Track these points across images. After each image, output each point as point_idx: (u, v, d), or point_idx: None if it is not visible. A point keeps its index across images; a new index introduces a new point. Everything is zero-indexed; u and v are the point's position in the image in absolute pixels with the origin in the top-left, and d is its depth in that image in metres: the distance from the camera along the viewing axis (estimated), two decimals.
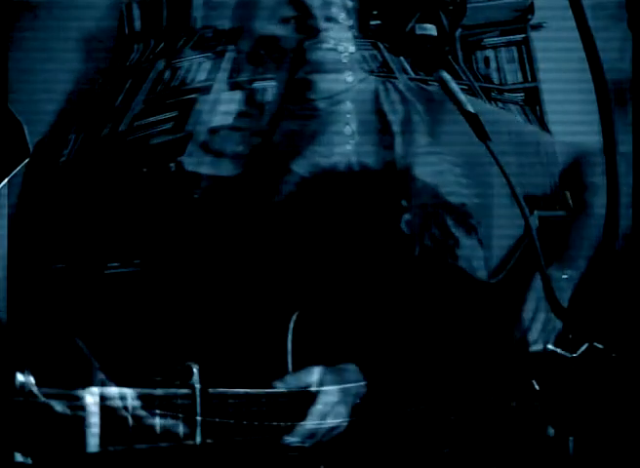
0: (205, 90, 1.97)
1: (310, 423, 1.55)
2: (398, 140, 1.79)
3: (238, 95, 1.93)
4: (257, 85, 1.90)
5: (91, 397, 1.38)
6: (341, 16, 1.80)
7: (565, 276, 1.65)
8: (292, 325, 1.64)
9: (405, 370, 1.65)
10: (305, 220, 1.74)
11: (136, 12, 2.09)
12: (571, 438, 1.52)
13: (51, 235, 1.89)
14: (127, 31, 2.08)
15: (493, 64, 2.12)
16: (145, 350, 1.73)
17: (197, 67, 2.02)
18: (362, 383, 1.62)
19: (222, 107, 1.93)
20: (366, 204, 1.74)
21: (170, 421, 1.44)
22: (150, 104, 1.98)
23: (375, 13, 1.82)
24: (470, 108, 1.62)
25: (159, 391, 1.45)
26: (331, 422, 1.57)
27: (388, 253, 1.72)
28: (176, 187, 1.84)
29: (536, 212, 1.80)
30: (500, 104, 2.07)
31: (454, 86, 1.65)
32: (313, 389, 1.58)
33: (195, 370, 1.48)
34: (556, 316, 1.52)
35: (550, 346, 1.57)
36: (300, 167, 1.77)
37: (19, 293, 1.82)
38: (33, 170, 1.92)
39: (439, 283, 1.72)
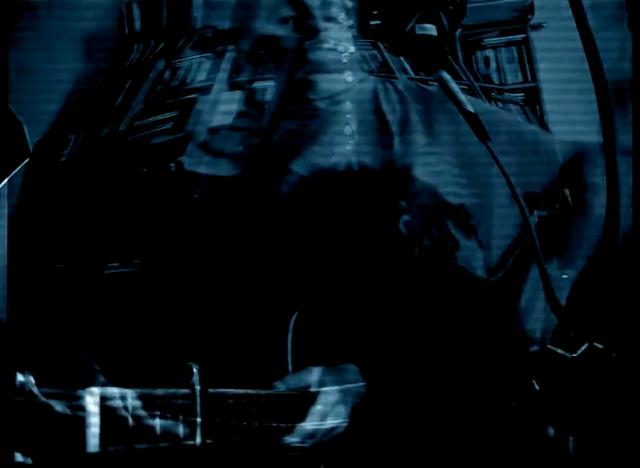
0: (205, 90, 1.97)
1: (310, 424, 1.56)
2: (397, 141, 1.79)
3: (238, 95, 1.93)
4: (257, 85, 1.90)
5: (91, 397, 1.38)
6: (341, 15, 1.80)
7: (565, 276, 1.65)
8: (292, 324, 1.64)
9: (405, 370, 1.65)
10: (305, 220, 1.74)
11: (136, 12, 2.09)
12: (571, 438, 1.52)
13: (51, 235, 1.89)
14: (127, 31, 2.08)
15: (493, 64, 2.12)
16: (145, 350, 1.73)
17: (197, 67, 2.02)
18: (362, 384, 1.62)
19: (222, 107, 1.93)
20: (365, 204, 1.74)
21: (170, 421, 1.44)
22: (150, 104, 1.98)
23: (375, 13, 1.82)
24: (470, 108, 1.62)
25: (159, 391, 1.45)
26: (331, 423, 1.57)
27: (388, 254, 1.72)
28: (176, 187, 1.84)
29: (535, 212, 1.80)
30: (500, 104, 2.07)
31: (454, 86, 1.65)
32: (313, 389, 1.58)
33: (195, 370, 1.48)
34: (556, 316, 1.52)
35: (550, 346, 1.57)
36: (300, 167, 1.77)
37: (19, 293, 1.82)
38: (33, 170, 1.92)
39: (439, 282, 1.72)
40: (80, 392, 1.38)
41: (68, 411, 1.37)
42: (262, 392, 1.55)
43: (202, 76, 2.01)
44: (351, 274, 1.70)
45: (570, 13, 1.30)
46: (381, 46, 2.00)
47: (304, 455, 1.57)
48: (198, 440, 1.47)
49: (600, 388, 1.47)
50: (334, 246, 1.72)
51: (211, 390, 1.49)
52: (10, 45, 1.85)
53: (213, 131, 1.89)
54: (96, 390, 1.39)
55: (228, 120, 1.90)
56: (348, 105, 1.81)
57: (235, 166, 1.81)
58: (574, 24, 1.30)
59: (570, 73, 1.80)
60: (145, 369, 1.67)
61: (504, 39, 2.12)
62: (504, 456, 1.62)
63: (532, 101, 2.08)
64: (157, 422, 1.43)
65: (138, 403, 1.43)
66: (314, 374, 1.59)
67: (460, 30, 2.04)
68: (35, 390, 1.38)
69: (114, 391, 1.41)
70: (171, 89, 1.99)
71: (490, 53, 2.12)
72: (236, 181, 1.79)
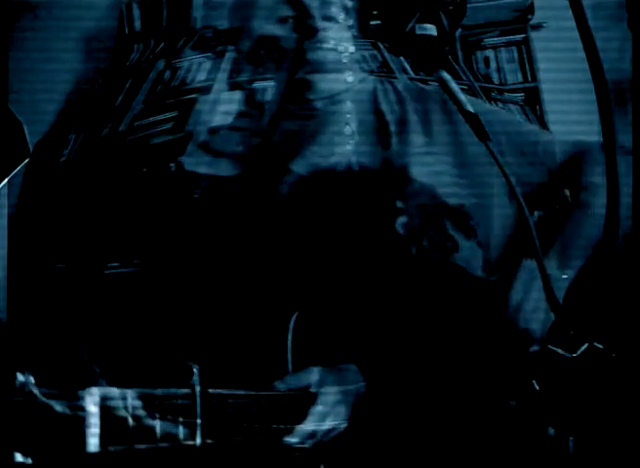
0: (205, 90, 1.98)
1: (311, 424, 1.56)
2: (395, 141, 1.79)
3: (238, 95, 1.93)
4: (257, 85, 1.90)
5: (90, 397, 1.38)
6: (341, 15, 1.80)
7: (565, 276, 1.65)
8: (292, 325, 1.64)
9: (405, 370, 1.65)
10: (304, 220, 1.74)
11: (136, 12, 2.09)
12: (571, 438, 1.52)
13: (51, 235, 1.89)
14: (127, 31, 2.08)
15: (493, 64, 2.12)
16: (145, 350, 1.73)
17: (197, 67, 2.02)
18: (362, 384, 1.62)
19: (222, 107, 1.93)
20: (363, 204, 1.73)
21: (170, 422, 1.44)
22: (150, 104, 1.98)
23: (375, 13, 1.82)
24: (470, 108, 1.62)
25: (159, 391, 1.45)
26: (331, 423, 1.57)
27: (386, 254, 1.72)
28: (176, 187, 1.84)
29: (535, 212, 1.80)
30: (500, 104, 2.07)
31: (454, 86, 1.65)
32: (313, 390, 1.58)
33: (195, 370, 1.48)
34: (555, 315, 1.52)
35: (550, 346, 1.57)
36: (300, 167, 1.77)
37: (19, 293, 1.82)
38: (33, 170, 1.92)
39: (438, 281, 1.72)
40: (80, 392, 1.39)
41: (68, 411, 1.38)
42: (263, 393, 1.55)
43: (202, 76, 2.01)
44: (351, 274, 1.70)
45: (570, 13, 1.30)
46: (381, 46, 2.00)
47: (305, 455, 1.57)
48: (198, 440, 1.47)
49: (600, 388, 1.47)
50: (333, 246, 1.72)
51: (210, 390, 1.49)
52: (10, 45, 1.85)
53: (213, 131, 1.89)
54: (95, 390, 1.39)
55: (228, 120, 1.90)
56: (348, 105, 1.81)
57: (235, 166, 1.81)
58: (574, 24, 1.30)
59: (570, 73, 1.80)
60: (145, 369, 1.67)
61: (504, 39, 2.12)
62: (504, 456, 1.62)
63: (532, 101, 2.08)
64: (157, 422, 1.43)
65: (138, 403, 1.43)
66: (314, 375, 1.59)
67: (459, 30, 2.04)
68: (35, 390, 1.38)
69: (114, 391, 1.41)
70: (171, 89, 1.99)
71: (490, 53, 2.12)
72: (236, 181, 1.79)
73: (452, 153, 1.79)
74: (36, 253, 1.87)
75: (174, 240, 1.80)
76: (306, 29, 1.77)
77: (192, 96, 1.97)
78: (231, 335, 1.69)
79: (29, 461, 1.38)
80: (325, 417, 1.57)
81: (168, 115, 1.96)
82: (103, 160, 1.94)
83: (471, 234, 1.76)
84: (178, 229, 1.80)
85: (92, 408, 1.38)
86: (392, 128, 1.80)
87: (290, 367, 1.62)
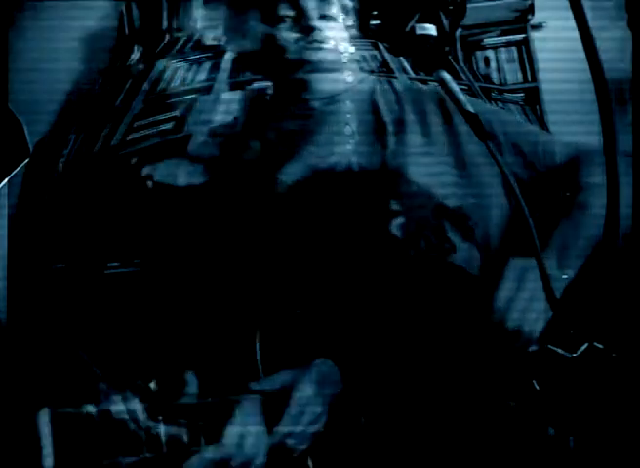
0: (205, 90, 1.98)
1: (288, 424, 1.56)
2: (393, 141, 1.79)
3: (238, 95, 1.93)
4: (256, 85, 1.90)
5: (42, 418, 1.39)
6: (341, 15, 1.80)
7: (565, 276, 1.65)
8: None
9: (405, 371, 1.65)
10: (302, 221, 1.74)
11: (135, 12, 2.09)
12: (571, 438, 1.52)
13: (51, 235, 1.89)
14: (127, 31, 2.08)
15: (493, 64, 2.12)
16: (145, 350, 1.73)
17: (197, 67, 2.02)
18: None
19: (222, 107, 1.93)
20: (358, 206, 1.73)
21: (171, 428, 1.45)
22: (150, 104, 1.98)
23: (375, 13, 1.82)
24: (470, 108, 1.62)
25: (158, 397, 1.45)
26: (309, 421, 1.57)
27: (385, 255, 1.72)
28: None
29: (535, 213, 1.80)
30: (500, 104, 2.07)
31: (454, 86, 1.65)
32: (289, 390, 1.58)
33: (189, 377, 1.48)
34: (554, 314, 1.52)
35: (550, 346, 1.57)
36: (297, 168, 1.77)
37: (19, 293, 1.82)
38: (33, 170, 1.92)
39: (437, 282, 1.71)
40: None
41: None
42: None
43: (202, 76, 2.01)
44: (347, 276, 1.70)
45: (570, 13, 1.30)
46: (381, 46, 2.00)
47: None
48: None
49: (600, 388, 1.47)
50: (330, 246, 1.72)
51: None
52: (10, 45, 1.85)
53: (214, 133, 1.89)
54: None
55: (229, 120, 1.90)
56: (348, 105, 1.81)
57: (230, 169, 1.81)
58: (574, 24, 1.30)
59: (570, 73, 1.80)
60: (145, 369, 1.67)
61: (504, 39, 2.12)
62: (505, 456, 1.62)
63: (532, 101, 2.08)
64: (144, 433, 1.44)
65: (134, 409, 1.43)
66: (291, 375, 1.60)
67: (460, 30, 2.04)
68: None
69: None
70: (171, 89, 1.99)
71: (490, 53, 2.12)
72: (234, 182, 1.79)
73: (450, 153, 1.79)
74: (36, 252, 1.87)
75: (172, 241, 1.80)
76: (307, 29, 1.77)
77: (192, 96, 1.97)
78: (229, 336, 1.69)
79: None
80: (302, 417, 1.57)
81: (168, 115, 1.96)
82: (103, 160, 1.94)
83: (470, 234, 1.75)
84: (175, 230, 1.80)
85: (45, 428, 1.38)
86: (390, 128, 1.80)
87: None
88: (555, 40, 1.98)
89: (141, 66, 2.04)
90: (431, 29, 1.70)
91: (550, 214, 1.73)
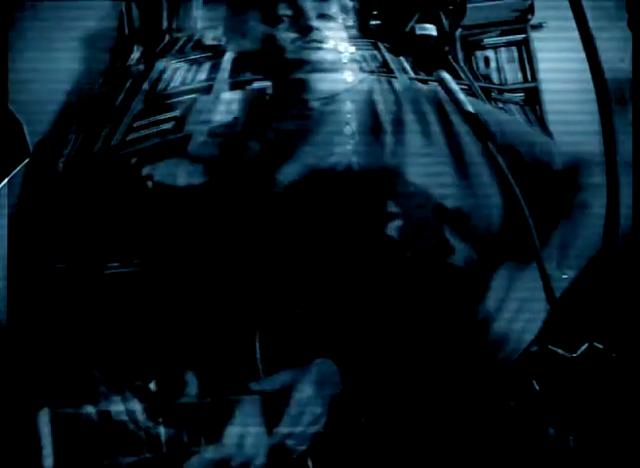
0: (205, 90, 1.97)
1: (287, 425, 1.56)
2: (391, 141, 1.78)
3: (238, 95, 1.93)
4: (256, 85, 1.90)
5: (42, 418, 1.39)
6: (340, 15, 1.80)
7: (565, 276, 1.65)
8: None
9: (405, 371, 1.65)
10: (300, 221, 1.73)
11: (135, 12, 2.09)
12: (571, 438, 1.52)
13: (51, 235, 1.89)
14: (127, 31, 2.08)
15: (493, 64, 2.12)
16: (144, 350, 1.73)
17: (197, 67, 2.02)
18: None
19: (222, 107, 1.93)
20: (355, 207, 1.73)
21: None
22: (150, 104, 1.98)
23: (375, 13, 1.82)
24: (470, 108, 1.62)
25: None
26: (309, 422, 1.57)
27: (385, 255, 1.72)
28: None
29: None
30: (500, 104, 2.07)
31: (453, 86, 1.65)
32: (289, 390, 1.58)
33: (189, 378, 1.48)
34: (554, 314, 1.52)
35: (550, 346, 1.57)
36: (296, 168, 1.77)
37: (19, 293, 1.82)
38: (33, 170, 1.92)
39: (436, 283, 1.71)
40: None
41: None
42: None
43: (202, 76, 2.01)
44: (346, 276, 1.70)
45: (570, 13, 1.30)
46: (381, 46, 2.00)
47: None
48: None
49: (600, 388, 1.47)
50: (330, 246, 1.72)
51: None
52: (10, 45, 1.85)
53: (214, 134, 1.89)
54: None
55: (229, 120, 1.90)
56: (348, 105, 1.81)
57: (230, 169, 1.81)
58: (574, 24, 1.30)
59: (570, 73, 1.80)
60: (145, 369, 1.67)
61: (504, 39, 2.12)
62: (505, 456, 1.62)
63: (532, 101, 2.08)
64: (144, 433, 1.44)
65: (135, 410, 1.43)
66: (291, 375, 1.60)
67: (459, 30, 2.04)
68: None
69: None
70: (171, 89, 1.99)
71: (490, 53, 2.12)
72: (231, 183, 1.79)
73: (448, 154, 1.78)
74: (36, 252, 1.87)
75: (172, 242, 1.80)
76: (306, 29, 1.77)
77: (192, 96, 1.97)
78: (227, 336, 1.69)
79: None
80: (302, 418, 1.57)
81: (168, 115, 1.96)
82: (103, 160, 1.94)
83: (469, 236, 1.75)
84: (175, 231, 1.80)
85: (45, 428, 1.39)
86: (388, 128, 1.80)
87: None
88: (555, 40, 1.98)
89: (141, 66, 2.04)
90: (431, 29, 1.70)
91: (550, 215, 1.73)
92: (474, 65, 2.11)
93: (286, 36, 1.77)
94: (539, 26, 2.10)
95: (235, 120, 1.89)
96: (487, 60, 2.12)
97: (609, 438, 1.51)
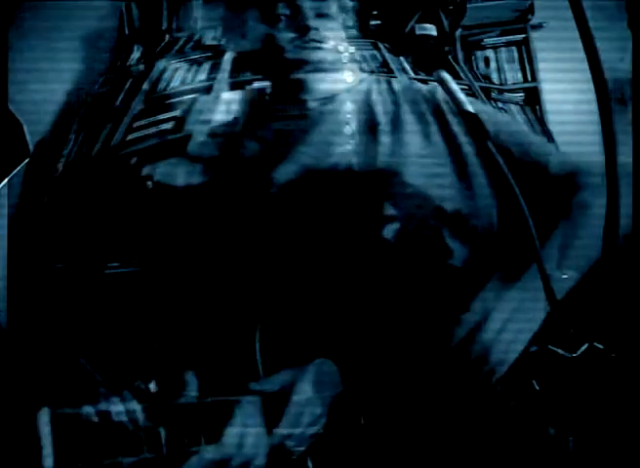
0: (205, 90, 1.98)
1: (287, 426, 1.56)
2: (389, 141, 1.78)
3: (238, 95, 1.93)
4: (256, 85, 1.90)
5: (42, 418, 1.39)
6: (340, 15, 1.80)
7: (565, 276, 1.65)
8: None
9: (404, 372, 1.65)
10: (302, 221, 1.74)
11: (135, 12, 2.09)
12: (571, 438, 1.53)
13: (51, 235, 1.89)
14: (127, 31, 2.08)
15: (493, 64, 2.12)
16: (144, 350, 1.73)
17: (197, 67, 2.02)
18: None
19: (222, 107, 1.93)
20: (352, 208, 1.73)
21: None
22: (150, 104, 1.98)
23: (375, 13, 1.82)
24: (470, 108, 1.62)
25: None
26: (308, 422, 1.57)
27: (379, 258, 1.71)
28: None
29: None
30: (500, 104, 2.07)
31: (453, 86, 1.65)
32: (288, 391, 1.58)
33: (189, 378, 1.48)
34: (554, 314, 1.52)
35: (550, 346, 1.57)
36: (296, 168, 1.77)
37: (18, 293, 1.82)
38: (33, 170, 1.92)
39: (435, 284, 1.71)
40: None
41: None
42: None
43: (202, 76, 2.01)
44: (346, 276, 1.70)
45: (570, 13, 1.30)
46: (381, 46, 2.00)
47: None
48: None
49: (600, 388, 1.47)
50: (330, 246, 1.72)
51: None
52: (10, 45, 1.85)
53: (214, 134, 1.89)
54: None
55: (229, 120, 1.90)
56: (347, 106, 1.81)
57: (230, 169, 1.81)
58: (574, 24, 1.30)
59: (570, 73, 1.80)
60: (145, 369, 1.67)
61: (504, 39, 2.12)
62: (505, 456, 1.62)
63: (532, 101, 2.08)
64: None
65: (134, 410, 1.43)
66: (291, 375, 1.60)
67: (460, 30, 2.04)
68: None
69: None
70: (171, 89, 1.99)
71: (490, 53, 2.12)
72: (231, 183, 1.79)
73: (447, 154, 1.78)
74: (36, 253, 1.87)
75: (172, 242, 1.80)
76: (306, 29, 1.77)
77: (192, 96, 1.97)
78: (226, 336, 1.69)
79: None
80: (301, 418, 1.57)
81: (168, 115, 1.96)
82: (103, 160, 1.94)
83: (468, 237, 1.75)
84: (174, 231, 1.80)
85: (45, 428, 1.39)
86: (386, 128, 1.80)
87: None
88: (555, 40, 1.99)
89: (141, 66, 2.04)
90: (431, 29, 1.70)
91: (550, 215, 1.73)
92: (474, 65, 2.11)
93: (284, 36, 1.76)
94: (539, 26, 2.10)
95: (235, 120, 1.89)
96: (487, 60, 2.12)
97: (609, 438, 1.51)
